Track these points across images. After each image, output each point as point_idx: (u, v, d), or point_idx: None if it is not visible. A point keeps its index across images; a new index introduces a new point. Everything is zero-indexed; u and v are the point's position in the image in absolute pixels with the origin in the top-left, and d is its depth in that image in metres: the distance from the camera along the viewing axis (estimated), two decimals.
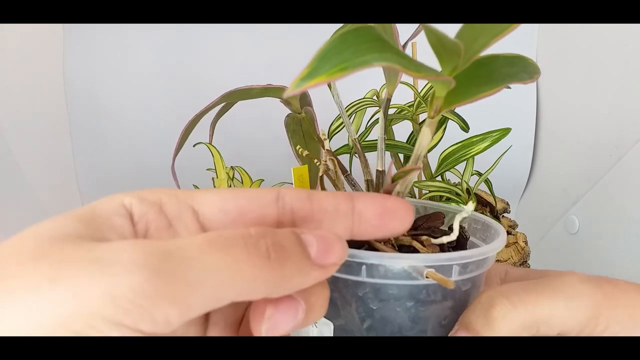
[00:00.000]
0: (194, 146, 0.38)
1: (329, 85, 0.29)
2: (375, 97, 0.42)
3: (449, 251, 0.25)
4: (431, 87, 0.42)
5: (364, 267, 0.22)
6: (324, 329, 0.25)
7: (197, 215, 0.18)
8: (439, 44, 0.18)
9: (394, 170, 0.23)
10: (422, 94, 0.41)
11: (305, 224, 0.19)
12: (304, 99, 0.34)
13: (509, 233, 0.50)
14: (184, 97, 0.66)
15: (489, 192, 0.46)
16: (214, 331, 0.20)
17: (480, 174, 0.44)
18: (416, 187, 0.41)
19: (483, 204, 0.49)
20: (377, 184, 0.27)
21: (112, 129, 0.68)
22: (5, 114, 0.56)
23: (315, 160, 0.30)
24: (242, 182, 0.43)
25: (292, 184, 0.33)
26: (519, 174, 0.67)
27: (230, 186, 0.41)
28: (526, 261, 0.49)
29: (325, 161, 0.28)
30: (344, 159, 0.36)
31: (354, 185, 0.29)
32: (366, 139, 0.41)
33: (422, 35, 0.18)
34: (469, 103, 0.20)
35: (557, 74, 0.63)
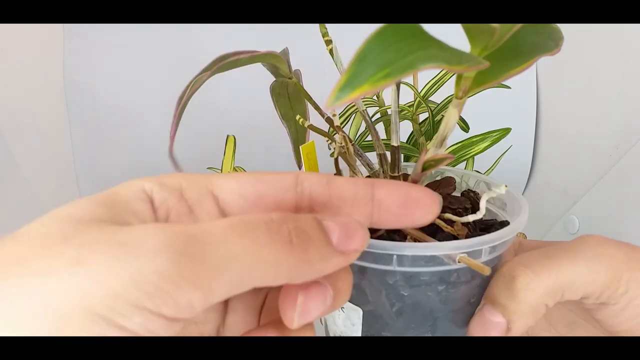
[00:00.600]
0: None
1: (331, 54, 0.28)
2: (375, 97, 0.42)
3: (474, 227, 0.25)
4: (432, 85, 0.41)
5: (395, 256, 0.22)
6: (352, 314, 0.25)
7: (217, 201, 0.18)
8: (469, 30, 0.17)
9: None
10: (422, 93, 0.41)
11: (324, 210, 0.18)
12: (288, 63, 0.33)
13: None
14: None
15: None
16: (234, 318, 0.20)
17: (480, 174, 0.44)
18: None
19: None
20: (393, 160, 0.26)
21: (112, 128, 0.68)
22: (5, 113, 0.56)
23: (327, 140, 0.29)
24: None
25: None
26: (518, 174, 0.67)
27: None
28: None
29: (341, 143, 0.27)
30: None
31: (360, 156, 0.28)
32: (366, 139, 0.41)
33: None
34: (499, 82, 0.18)
35: (557, 74, 0.63)
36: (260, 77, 0.35)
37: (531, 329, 0.28)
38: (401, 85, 0.39)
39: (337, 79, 0.14)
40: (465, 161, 0.42)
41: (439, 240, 0.23)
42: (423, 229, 0.25)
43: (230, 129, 0.45)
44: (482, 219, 0.27)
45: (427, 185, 0.28)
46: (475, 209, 0.26)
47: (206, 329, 0.19)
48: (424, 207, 0.19)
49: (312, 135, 0.32)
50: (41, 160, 0.62)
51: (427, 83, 0.42)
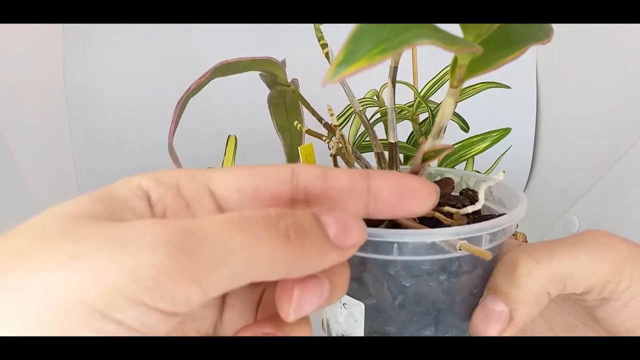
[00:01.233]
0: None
1: (327, 57, 0.28)
2: (375, 97, 0.42)
3: (474, 219, 0.25)
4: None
5: (395, 245, 0.22)
6: (354, 309, 0.25)
7: (213, 196, 0.18)
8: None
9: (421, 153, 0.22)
10: (422, 94, 0.41)
11: (320, 202, 0.19)
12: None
13: None
14: None
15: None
16: (231, 314, 0.20)
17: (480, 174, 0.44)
18: None
19: None
20: (391, 157, 0.26)
21: (112, 128, 0.68)
22: (5, 113, 0.56)
23: (325, 138, 0.29)
24: None
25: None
26: (518, 173, 0.67)
27: None
28: None
29: (339, 140, 0.27)
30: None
31: (358, 158, 0.28)
32: (366, 139, 0.41)
33: None
34: (492, 70, 0.19)
35: (557, 74, 0.63)
36: (260, 80, 0.35)
37: (531, 331, 0.28)
38: (401, 85, 0.39)
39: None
40: (466, 161, 0.42)
41: None
42: (423, 222, 0.25)
43: (231, 129, 0.45)
44: (480, 214, 0.27)
45: None
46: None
47: (203, 325, 0.19)
48: (420, 197, 0.19)
49: (310, 141, 0.32)
50: (41, 160, 0.62)
51: (427, 83, 0.42)
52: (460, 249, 0.21)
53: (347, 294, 0.26)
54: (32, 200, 0.58)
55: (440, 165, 0.41)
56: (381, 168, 0.27)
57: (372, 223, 0.24)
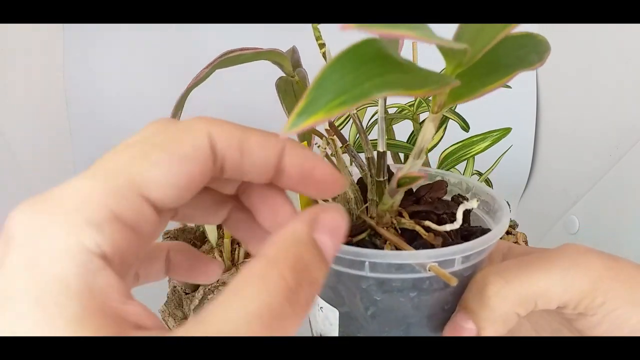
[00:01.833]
0: None
1: (324, 57, 0.29)
2: None
3: (455, 235, 0.25)
4: None
5: (367, 263, 0.22)
6: (330, 314, 0.26)
7: (148, 202, 0.17)
8: (442, 48, 0.17)
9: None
10: None
11: (234, 174, 0.18)
12: (296, 61, 0.33)
13: (508, 233, 0.50)
14: None
15: None
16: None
17: (480, 174, 0.44)
18: None
19: None
20: (379, 166, 0.26)
21: (112, 128, 0.68)
22: (5, 113, 0.56)
23: (316, 143, 0.29)
24: None
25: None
26: (519, 173, 0.67)
27: None
28: None
29: (326, 146, 0.28)
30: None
31: (354, 157, 0.28)
32: None
33: None
34: (475, 98, 0.18)
35: (557, 74, 0.63)
36: (264, 73, 0.35)
37: (518, 333, 0.28)
38: None
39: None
40: (466, 161, 0.42)
41: (417, 247, 0.24)
42: (403, 233, 0.25)
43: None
44: (467, 226, 0.27)
45: (418, 189, 0.28)
46: (464, 217, 0.27)
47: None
48: (323, 188, 0.19)
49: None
50: (41, 161, 0.62)
51: None
52: (429, 270, 0.22)
53: (324, 299, 0.26)
54: None
55: (440, 164, 0.41)
56: (370, 172, 0.27)
57: (356, 232, 0.25)
